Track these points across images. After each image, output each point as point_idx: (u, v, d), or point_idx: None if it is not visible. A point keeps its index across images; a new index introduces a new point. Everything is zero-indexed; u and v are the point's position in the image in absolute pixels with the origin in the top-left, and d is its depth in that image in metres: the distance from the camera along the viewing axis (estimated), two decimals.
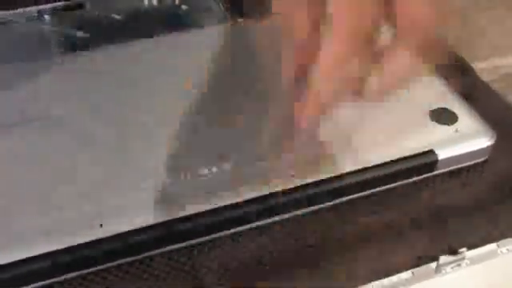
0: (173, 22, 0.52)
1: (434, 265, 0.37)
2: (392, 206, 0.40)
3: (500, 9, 0.57)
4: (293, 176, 0.38)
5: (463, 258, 0.37)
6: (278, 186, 0.38)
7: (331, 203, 0.39)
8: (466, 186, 0.41)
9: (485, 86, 0.48)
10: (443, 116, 0.42)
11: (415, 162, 0.40)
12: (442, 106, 0.43)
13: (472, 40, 0.53)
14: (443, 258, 0.37)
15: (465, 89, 0.47)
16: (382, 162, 0.39)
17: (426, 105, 0.43)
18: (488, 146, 0.42)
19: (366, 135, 0.41)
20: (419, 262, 0.37)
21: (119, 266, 0.36)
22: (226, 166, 0.38)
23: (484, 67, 0.52)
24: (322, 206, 0.39)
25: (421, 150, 0.40)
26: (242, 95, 0.43)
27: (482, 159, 0.42)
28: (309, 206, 0.39)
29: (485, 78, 0.50)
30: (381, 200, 0.40)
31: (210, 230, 0.37)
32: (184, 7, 0.52)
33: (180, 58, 0.46)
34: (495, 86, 0.49)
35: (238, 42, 0.49)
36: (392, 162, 0.40)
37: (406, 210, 0.40)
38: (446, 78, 0.45)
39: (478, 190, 0.41)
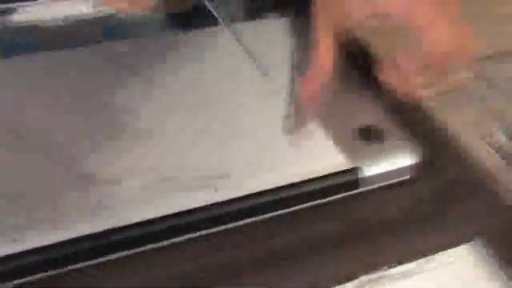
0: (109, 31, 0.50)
1: (356, 282, 0.36)
2: (312, 225, 0.39)
3: None
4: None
5: (384, 276, 0.37)
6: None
7: (248, 221, 0.38)
8: (388, 203, 0.41)
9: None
10: (370, 133, 0.42)
11: (337, 180, 0.40)
12: (370, 122, 0.43)
13: None
14: (364, 277, 0.36)
15: (397, 105, 0.47)
16: (300, 180, 0.39)
17: (354, 121, 0.43)
18: (412, 165, 0.42)
19: (289, 150, 0.40)
20: (341, 280, 0.36)
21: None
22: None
23: None
24: (238, 224, 0.38)
25: (343, 168, 0.40)
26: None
27: (406, 177, 0.42)
28: (224, 223, 0.38)
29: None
30: (300, 219, 0.39)
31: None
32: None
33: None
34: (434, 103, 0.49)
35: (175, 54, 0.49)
36: (311, 180, 0.39)
37: (326, 229, 0.39)
38: (381, 94, 0.45)
39: (401, 208, 0.41)
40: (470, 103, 0.48)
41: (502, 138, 0.45)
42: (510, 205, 0.41)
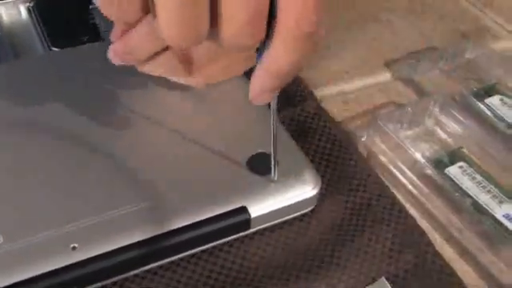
0: None
1: None
2: (200, 272, 0.34)
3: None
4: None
5: None
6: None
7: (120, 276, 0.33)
8: (288, 242, 0.36)
9: (323, 120, 0.43)
10: (262, 163, 0.36)
11: (225, 223, 0.34)
12: (263, 150, 0.37)
13: (317, 63, 0.49)
14: None
15: (295, 126, 0.42)
16: (186, 224, 0.34)
17: (243, 150, 0.37)
18: (314, 195, 0.37)
19: (172, 189, 0.35)
20: None
21: None
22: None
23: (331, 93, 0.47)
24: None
25: (232, 208, 0.35)
26: None
27: (309, 209, 0.37)
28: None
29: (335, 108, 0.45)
30: (183, 269, 0.34)
31: None
32: None
33: None
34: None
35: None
36: (196, 223, 0.34)
37: (213, 276, 0.34)
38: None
39: (305, 246, 0.36)
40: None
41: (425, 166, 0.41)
42: (420, 241, 0.36)
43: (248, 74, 0.41)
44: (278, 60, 0.29)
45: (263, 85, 0.30)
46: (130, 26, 0.33)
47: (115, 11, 0.30)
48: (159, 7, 0.27)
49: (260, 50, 0.29)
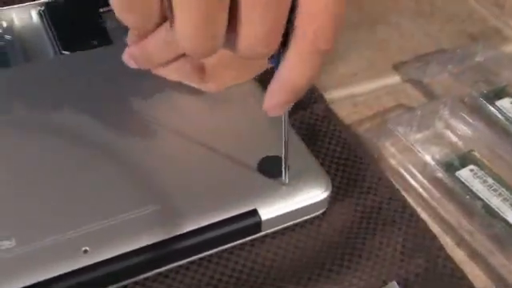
0: None
1: None
2: (210, 275, 0.34)
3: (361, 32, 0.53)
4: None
5: None
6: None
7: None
8: (299, 245, 0.36)
9: (333, 123, 0.43)
10: (273, 166, 0.36)
11: (236, 225, 0.34)
12: (273, 153, 0.37)
13: (325, 65, 0.49)
14: None
15: (305, 129, 0.42)
16: (196, 227, 0.34)
17: (254, 153, 0.37)
18: (325, 198, 0.37)
19: (183, 192, 0.35)
20: None
21: None
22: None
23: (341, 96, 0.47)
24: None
25: (242, 211, 0.35)
26: None
27: (319, 212, 0.37)
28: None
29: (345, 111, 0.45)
30: (193, 272, 0.34)
31: None
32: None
33: None
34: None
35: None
36: (207, 226, 0.34)
37: (224, 279, 0.34)
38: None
39: (315, 249, 0.36)
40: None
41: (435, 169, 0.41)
42: (431, 245, 0.36)
43: (258, 78, 0.42)
44: (292, 75, 0.29)
45: (278, 98, 0.30)
46: (147, 32, 0.33)
47: (133, 18, 0.30)
48: (178, 19, 0.27)
49: (274, 56, 0.29)
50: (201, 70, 0.38)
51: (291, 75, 0.29)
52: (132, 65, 0.36)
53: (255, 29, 0.27)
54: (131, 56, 0.35)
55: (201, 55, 0.29)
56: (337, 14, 0.28)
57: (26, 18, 0.46)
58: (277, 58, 0.29)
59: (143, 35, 0.34)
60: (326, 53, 0.29)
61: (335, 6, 0.28)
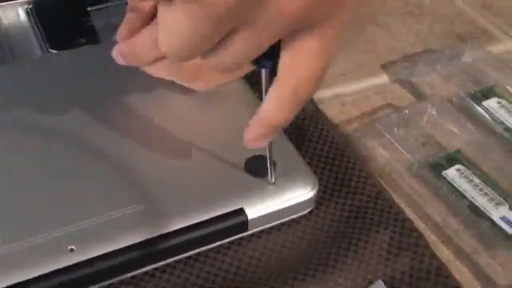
0: None
1: None
2: (197, 274, 0.34)
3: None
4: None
5: None
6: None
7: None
8: (285, 244, 0.36)
9: (320, 123, 0.43)
10: (259, 165, 0.36)
11: (222, 224, 0.34)
12: (260, 153, 0.37)
13: None
14: None
15: (293, 128, 0.42)
16: (183, 226, 0.34)
17: (241, 152, 0.37)
18: (311, 197, 0.37)
19: (170, 191, 0.35)
20: None
21: None
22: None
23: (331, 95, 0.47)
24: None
25: (229, 209, 0.35)
26: None
27: (306, 211, 0.37)
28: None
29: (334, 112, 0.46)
30: (180, 271, 0.34)
31: None
32: None
33: None
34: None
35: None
36: (194, 225, 0.34)
37: (210, 278, 0.34)
38: None
39: (302, 248, 0.36)
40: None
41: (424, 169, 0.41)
42: (418, 244, 0.36)
43: (246, 77, 0.42)
44: (271, 113, 0.30)
45: (257, 131, 0.31)
46: (136, 30, 0.33)
47: None
48: (161, 27, 0.27)
49: (259, 62, 0.29)
50: (189, 69, 0.38)
51: (270, 113, 0.30)
52: (120, 61, 0.36)
53: (241, 54, 0.27)
54: (119, 53, 0.36)
55: (181, 61, 0.28)
56: (318, 69, 0.29)
57: (13, 16, 0.46)
58: (262, 64, 0.30)
59: (133, 31, 0.34)
60: (306, 100, 0.30)
61: (317, 62, 0.29)
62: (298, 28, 0.27)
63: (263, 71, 0.30)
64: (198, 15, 0.24)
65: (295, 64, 0.29)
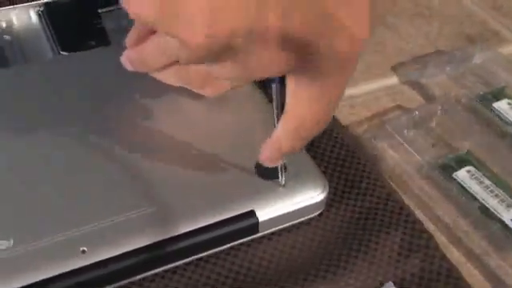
0: None
1: None
2: (207, 275, 0.35)
3: None
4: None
5: None
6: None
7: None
8: (295, 246, 0.36)
9: (330, 125, 0.43)
10: (270, 168, 0.36)
11: (233, 226, 0.35)
12: None
13: None
14: None
15: None
16: (194, 228, 0.34)
17: (252, 154, 0.37)
18: (322, 200, 0.37)
19: (181, 193, 0.35)
20: None
21: None
22: None
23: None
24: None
25: (240, 212, 0.35)
26: None
27: (316, 213, 0.37)
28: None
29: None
30: (191, 273, 0.35)
31: None
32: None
33: None
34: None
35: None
36: (205, 227, 0.34)
37: (220, 279, 0.34)
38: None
39: (312, 249, 0.36)
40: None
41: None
42: (428, 245, 0.36)
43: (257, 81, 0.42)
44: (281, 142, 0.32)
45: (269, 153, 0.33)
46: (145, 36, 0.33)
47: None
48: None
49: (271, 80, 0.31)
50: (198, 75, 0.38)
51: (280, 140, 0.32)
52: (129, 67, 0.36)
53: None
54: (128, 59, 0.36)
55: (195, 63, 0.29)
56: (318, 112, 0.31)
57: (25, 18, 0.46)
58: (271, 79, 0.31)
59: (142, 37, 0.34)
60: (309, 138, 0.32)
61: (316, 105, 0.30)
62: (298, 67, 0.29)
63: (273, 86, 0.31)
64: None
65: (298, 103, 0.30)
